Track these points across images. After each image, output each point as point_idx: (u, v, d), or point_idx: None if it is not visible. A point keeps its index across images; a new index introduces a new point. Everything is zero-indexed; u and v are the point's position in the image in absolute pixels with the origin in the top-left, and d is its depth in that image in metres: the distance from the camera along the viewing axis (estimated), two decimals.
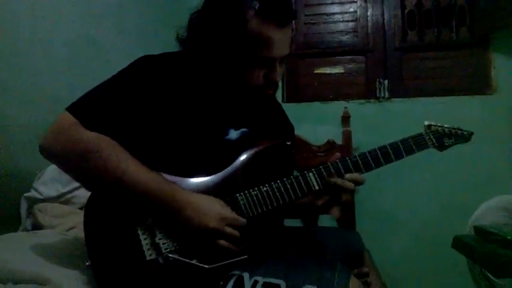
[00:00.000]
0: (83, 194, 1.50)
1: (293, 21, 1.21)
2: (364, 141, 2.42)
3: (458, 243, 1.46)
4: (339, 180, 1.14)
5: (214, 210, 1.05)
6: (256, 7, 1.08)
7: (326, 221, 1.71)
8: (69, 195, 1.53)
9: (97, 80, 1.13)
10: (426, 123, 1.25)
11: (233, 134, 1.23)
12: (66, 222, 1.41)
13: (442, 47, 2.76)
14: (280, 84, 1.21)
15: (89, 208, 1.08)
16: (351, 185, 1.15)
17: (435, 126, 1.25)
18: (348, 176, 1.15)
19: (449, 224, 2.02)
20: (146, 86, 1.12)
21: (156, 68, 1.16)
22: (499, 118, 2.53)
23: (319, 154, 2.23)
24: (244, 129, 1.24)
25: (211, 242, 1.05)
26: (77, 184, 1.52)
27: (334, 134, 2.36)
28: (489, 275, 1.60)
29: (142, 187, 1.02)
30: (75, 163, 1.04)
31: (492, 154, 2.48)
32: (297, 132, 1.54)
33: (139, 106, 1.10)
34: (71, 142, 1.03)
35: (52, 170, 1.53)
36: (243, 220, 1.09)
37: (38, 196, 1.50)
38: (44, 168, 1.56)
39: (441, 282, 2.45)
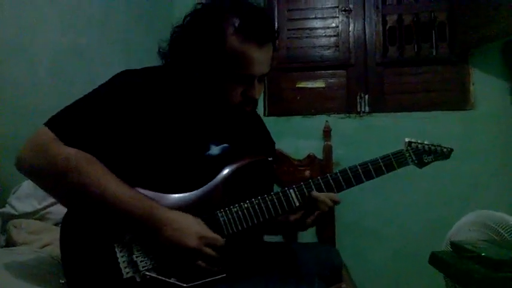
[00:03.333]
0: (59, 210, 1.47)
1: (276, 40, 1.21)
2: (345, 155, 2.45)
3: (435, 259, 1.46)
4: (320, 196, 1.15)
5: (194, 229, 1.04)
6: (236, 25, 1.08)
7: (306, 236, 1.71)
8: (44, 211, 1.49)
9: (80, 90, 1.12)
10: (406, 140, 1.26)
11: (214, 150, 1.22)
12: (41, 239, 1.38)
13: (422, 63, 2.79)
14: (261, 98, 1.21)
15: (65, 224, 1.06)
16: (329, 201, 1.15)
17: (415, 143, 1.27)
18: (326, 194, 1.16)
19: (429, 240, 2.03)
20: (126, 102, 1.11)
21: (136, 84, 1.15)
22: (478, 133, 2.57)
23: (300, 168, 2.24)
24: (225, 145, 1.24)
25: (190, 262, 1.04)
26: (52, 200, 1.49)
27: (315, 148, 2.38)
28: None
29: (122, 204, 1.01)
30: (53, 180, 1.02)
31: (471, 169, 2.52)
32: (278, 146, 1.54)
33: (119, 122, 1.09)
34: (49, 158, 1.01)
35: (27, 185, 1.50)
36: (222, 240, 1.08)
37: (13, 212, 1.47)
38: (19, 183, 1.53)
39: None
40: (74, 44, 1.94)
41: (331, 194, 1.16)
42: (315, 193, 1.16)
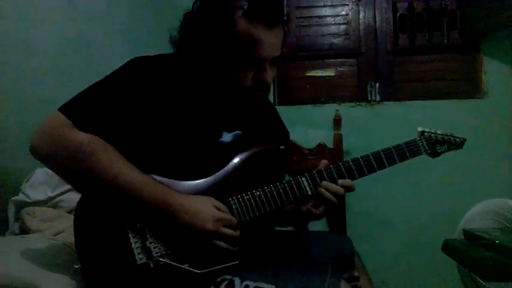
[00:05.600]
0: (72, 198, 1.48)
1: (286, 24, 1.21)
2: (355, 144, 2.44)
3: (448, 247, 1.46)
4: (331, 186, 1.14)
5: (209, 211, 1.04)
6: (245, 7, 1.08)
7: (317, 225, 1.71)
8: (57, 199, 1.51)
9: (85, 81, 1.11)
10: (420, 129, 1.25)
11: (226, 137, 1.22)
12: (55, 226, 1.39)
13: (433, 51, 2.76)
14: (271, 86, 1.20)
15: (79, 211, 1.07)
16: (341, 190, 1.15)
17: (428, 132, 1.26)
18: (340, 181, 1.15)
19: (441, 228, 2.03)
20: (140, 88, 1.11)
21: (149, 70, 1.15)
22: (489, 122, 2.55)
23: (310, 157, 2.23)
24: (238, 132, 1.24)
25: (208, 244, 1.04)
26: (65, 188, 1.51)
27: (326, 137, 2.37)
28: (477, 278, 1.60)
29: (135, 190, 1.01)
30: (67, 164, 1.02)
31: (482, 158, 2.49)
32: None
33: (132, 108, 1.09)
34: (63, 143, 1.01)
35: (40, 173, 1.51)
36: (236, 220, 1.09)
37: (26, 199, 1.48)
38: (32, 171, 1.54)
39: (431, 286, 2.47)
40: (78, 34, 1.95)
41: (347, 181, 1.16)
42: (326, 183, 1.15)
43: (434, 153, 1.26)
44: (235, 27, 1.08)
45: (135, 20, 2.41)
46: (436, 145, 1.26)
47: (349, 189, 1.16)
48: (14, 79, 1.59)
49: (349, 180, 1.16)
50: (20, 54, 1.63)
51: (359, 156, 1.19)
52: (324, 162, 1.20)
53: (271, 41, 1.11)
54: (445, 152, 1.27)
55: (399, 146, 1.21)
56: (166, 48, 1.22)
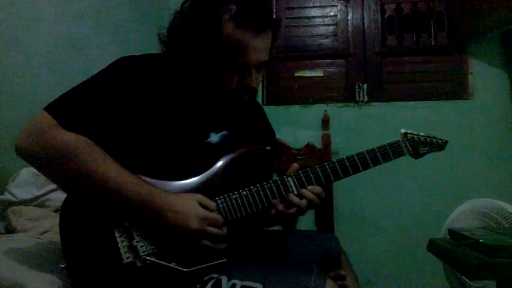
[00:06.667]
0: (58, 197, 1.48)
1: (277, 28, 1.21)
2: (343, 144, 2.45)
3: (433, 246, 1.47)
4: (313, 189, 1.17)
5: (194, 210, 1.05)
6: (233, 11, 1.08)
7: (305, 224, 1.72)
8: (43, 198, 1.50)
9: (77, 79, 1.11)
10: (402, 131, 1.27)
11: (214, 137, 1.22)
12: (41, 225, 1.38)
13: (421, 52, 2.79)
14: (260, 87, 1.20)
15: (65, 210, 1.06)
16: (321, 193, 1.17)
17: (411, 134, 1.28)
18: (310, 188, 1.17)
19: (427, 228, 2.05)
20: (126, 88, 1.11)
21: (136, 70, 1.15)
22: (475, 123, 2.58)
23: (299, 157, 2.24)
24: (224, 133, 1.24)
25: (194, 243, 1.05)
26: (51, 187, 1.50)
27: (314, 137, 2.38)
28: (462, 277, 1.62)
29: (122, 190, 1.01)
30: (54, 164, 1.02)
31: (468, 158, 2.53)
32: (276, 135, 1.54)
33: (119, 108, 1.09)
34: (49, 143, 1.01)
35: (26, 172, 1.50)
36: (222, 218, 1.09)
37: (12, 199, 1.47)
38: (18, 170, 1.53)
39: (417, 284, 2.49)
40: (70, 34, 1.94)
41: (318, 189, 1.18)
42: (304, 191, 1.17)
43: (417, 154, 1.29)
44: (222, 31, 1.08)
45: (127, 19, 2.40)
46: (419, 146, 1.28)
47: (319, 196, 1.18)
48: (4, 78, 1.58)
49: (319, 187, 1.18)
50: (10, 54, 1.61)
51: (344, 157, 1.20)
52: (295, 165, 1.22)
53: (257, 46, 1.11)
54: (427, 153, 1.30)
55: (383, 146, 1.23)
56: (157, 48, 1.23)
